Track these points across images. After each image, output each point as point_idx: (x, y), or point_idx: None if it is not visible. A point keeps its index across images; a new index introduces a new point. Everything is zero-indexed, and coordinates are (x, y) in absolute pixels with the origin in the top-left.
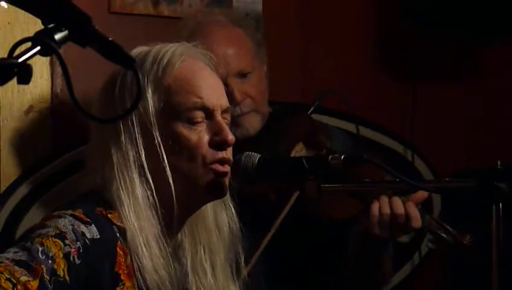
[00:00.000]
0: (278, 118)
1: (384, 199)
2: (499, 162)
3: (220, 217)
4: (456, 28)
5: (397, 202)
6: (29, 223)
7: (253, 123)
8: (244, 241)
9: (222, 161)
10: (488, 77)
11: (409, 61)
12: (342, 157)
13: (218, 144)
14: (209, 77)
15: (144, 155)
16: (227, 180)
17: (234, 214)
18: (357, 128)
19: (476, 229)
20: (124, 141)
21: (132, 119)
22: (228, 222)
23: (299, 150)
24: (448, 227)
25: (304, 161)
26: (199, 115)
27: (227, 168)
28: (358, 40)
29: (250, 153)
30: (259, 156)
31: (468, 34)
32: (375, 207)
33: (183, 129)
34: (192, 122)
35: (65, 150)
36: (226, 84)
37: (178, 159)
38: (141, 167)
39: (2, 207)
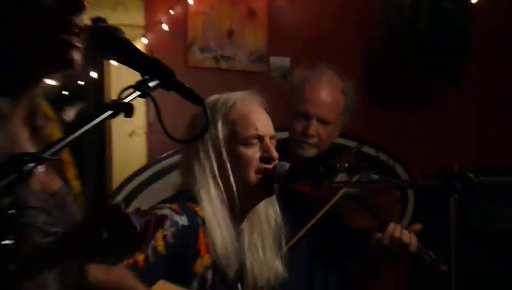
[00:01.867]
0: (331, 151)
1: (399, 227)
2: (455, 167)
3: (269, 213)
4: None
5: (405, 233)
6: None
7: (308, 153)
8: (285, 230)
9: (269, 170)
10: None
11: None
12: (347, 165)
13: (266, 159)
14: (262, 113)
15: (215, 167)
16: (273, 184)
17: (278, 210)
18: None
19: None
20: (202, 158)
21: (207, 143)
22: (275, 217)
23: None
24: (431, 254)
25: (320, 167)
26: (254, 140)
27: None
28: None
29: (282, 162)
30: (289, 164)
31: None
32: (392, 226)
33: (242, 149)
34: (249, 144)
35: (156, 163)
36: (306, 117)
37: (239, 169)
38: (214, 175)
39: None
